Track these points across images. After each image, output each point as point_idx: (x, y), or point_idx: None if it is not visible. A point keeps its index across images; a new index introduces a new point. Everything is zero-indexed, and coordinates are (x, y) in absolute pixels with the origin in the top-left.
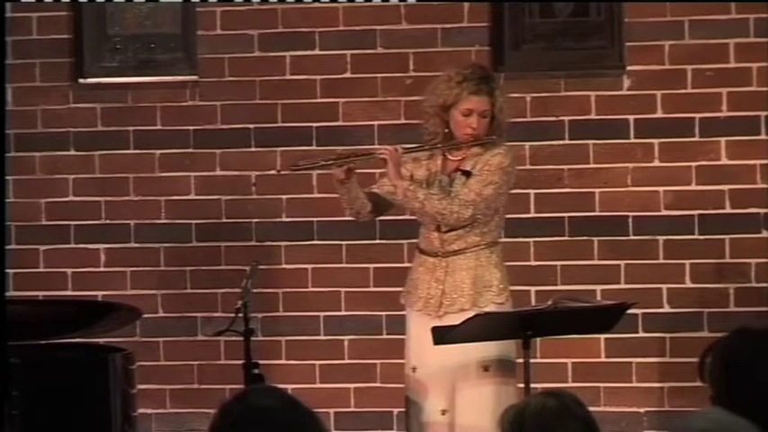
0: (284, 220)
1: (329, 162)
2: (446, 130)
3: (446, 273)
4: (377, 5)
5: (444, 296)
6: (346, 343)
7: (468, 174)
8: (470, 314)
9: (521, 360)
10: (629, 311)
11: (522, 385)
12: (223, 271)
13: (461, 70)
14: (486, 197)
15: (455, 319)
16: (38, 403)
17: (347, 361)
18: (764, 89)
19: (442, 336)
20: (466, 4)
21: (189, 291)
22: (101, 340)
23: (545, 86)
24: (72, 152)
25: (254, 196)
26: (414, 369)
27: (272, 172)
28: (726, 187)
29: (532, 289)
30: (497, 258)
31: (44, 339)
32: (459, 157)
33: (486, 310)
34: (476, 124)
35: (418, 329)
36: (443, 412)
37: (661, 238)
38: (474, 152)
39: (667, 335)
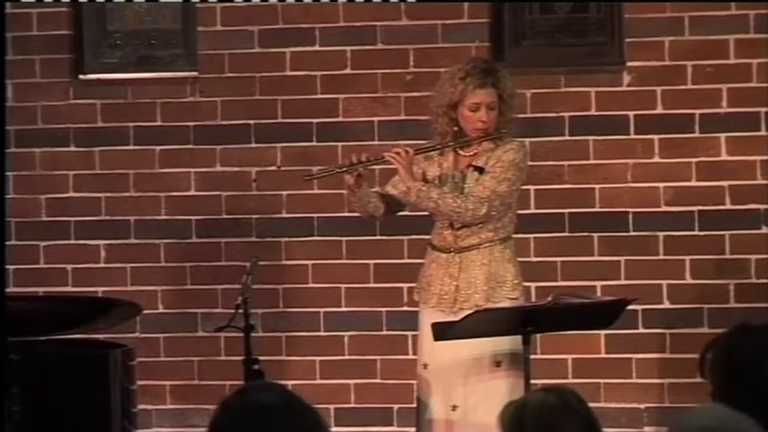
0: (284, 216)
1: (342, 169)
2: (456, 128)
3: (460, 269)
4: (377, 2)
5: (458, 292)
6: (346, 339)
7: (480, 170)
8: None
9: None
10: (629, 307)
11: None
12: (223, 267)
13: (463, 66)
14: (501, 194)
15: None
16: (38, 400)
17: (347, 357)
18: (764, 85)
19: (443, 332)
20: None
21: (189, 287)
22: (101, 336)
23: (545, 82)
24: (72, 148)
25: (255, 192)
26: (425, 366)
27: (273, 168)
28: (726, 183)
29: (533, 285)
30: (511, 253)
31: (44, 336)
32: (471, 153)
33: (501, 305)
34: (485, 117)
35: None
36: (454, 408)
37: (661, 234)
38: (486, 147)
39: (667, 331)
